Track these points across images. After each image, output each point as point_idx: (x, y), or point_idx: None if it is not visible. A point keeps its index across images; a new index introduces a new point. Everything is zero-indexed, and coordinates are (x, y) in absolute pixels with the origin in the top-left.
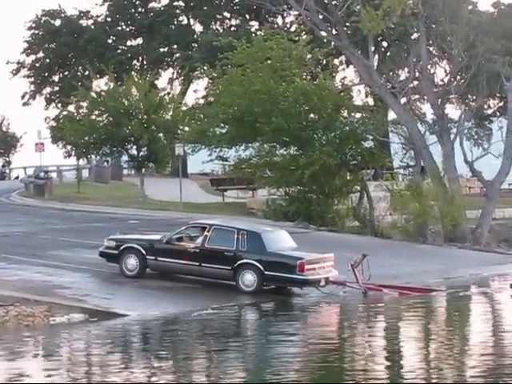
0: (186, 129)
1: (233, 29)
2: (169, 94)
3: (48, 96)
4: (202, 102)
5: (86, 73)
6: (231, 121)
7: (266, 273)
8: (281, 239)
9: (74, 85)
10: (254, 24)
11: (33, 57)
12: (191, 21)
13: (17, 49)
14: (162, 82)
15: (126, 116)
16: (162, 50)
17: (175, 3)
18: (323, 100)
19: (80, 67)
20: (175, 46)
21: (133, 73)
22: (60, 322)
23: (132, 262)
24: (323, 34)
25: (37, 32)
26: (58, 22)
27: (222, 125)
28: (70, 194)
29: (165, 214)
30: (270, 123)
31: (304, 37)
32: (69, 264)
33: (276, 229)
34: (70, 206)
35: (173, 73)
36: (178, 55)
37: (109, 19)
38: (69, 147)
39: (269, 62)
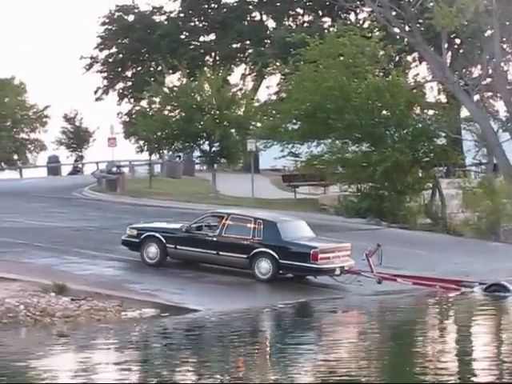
0: (258, 124)
1: (306, 25)
2: (241, 89)
3: (121, 91)
4: (274, 97)
5: (159, 68)
6: (303, 117)
7: (281, 261)
8: (298, 229)
9: (146, 80)
10: (327, 20)
11: (106, 52)
12: (264, 17)
13: (90, 44)
14: (234, 77)
15: (198, 111)
16: (234, 45)
17: None
18: (396, 97)
19: (153, 63)
20: (248, 42)
21: (205, 68)
22: (131, 317)
23: (153, 250)
24: (396, 30)
25: (110, 27)
26: (131, 18)
27: (294, 121)
28: (141, 189)
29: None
30: (343, 120)
31: (377, 33)
32: (140, 259)
33: (294, 218)
34: (141, 200)
35: (245, 69)
36: (250, 51)
37: (182, 15)
38: (141, 142)
39: (341, 58)
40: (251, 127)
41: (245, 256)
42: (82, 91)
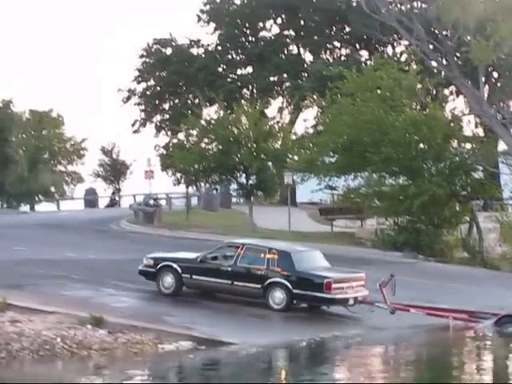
0: (295, 157)
1: (343, 58)
2: (278, 122)
3: (158, 124)
4: (311, 130)
5: (196, 101)
6: (340, 150)
7: (295, 291)
8: (312, 259)
9: (183, 113)
10: (364, 54)
11: (143, 85)
12: (301, 50)
13: (128, 77)
14: (271, 110)
15: (235, 144)
16: (271, 78)
17: (285, 32)
18: (433, 130)
19: (190, 95)
20: (285, 75)
21: (243, 101)
22: (168, 350)
23: (169, 280)
24: (434, 64)
25: (148, 60)
26: (168, 51)
27: (332, 154)
28: (179, 222)
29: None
30: (380, 153)
31: (414, 67)
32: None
33: (309, 249)
34: (179, 233)
35: (282, 102)
36: (287, 84)
37: (219, 48)
38: (178, 175)
39: (379, 91)
40: (288, 160)
41: (259, 286)
42: (120, 124)
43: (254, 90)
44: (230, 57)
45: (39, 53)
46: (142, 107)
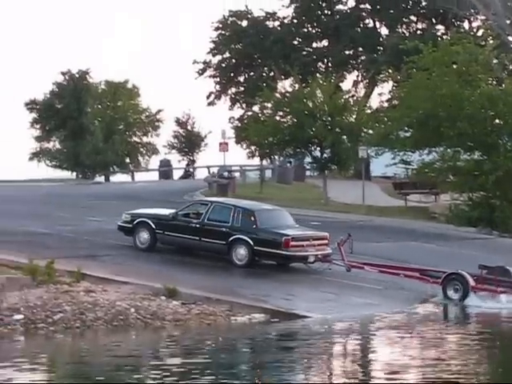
0: (370, 132)
1: (419, 32)
2: (353, 96)
3: (233, 96)
4: (386, 105)
5: (271, 74)
6: (415, 124)
7: (256, 248)
8: (277, 218)
9: (258, 85)
10: (441, 28)
11: (219, 57)
12: (377, 24)
13: (203, 49)
14: (346, 84)
15: (310, 118)
16: (347, 52)
17: (361, 6)
18: (509, 106)
19: (265, 68)
20: (361, 49)
21: (318, 75)
22: (241, 322)
23: (144, 235)
24: (510, 39)
25: (223, 32)
26: (244, 23)
27: (406, 128)
28: (252, 194)
29: (347, 217)
30: (455, 128)
31: (491, 42)
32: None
33: (276, 208)
34: None
35: (357, 75)
36: (363, 58)
37: (295, 21)
38: (252, 147)
39: (455, 66)
40: (363, 134)
41: (224, 242)
42: (195, 96)
43: (330, 64)
44: (305, 30)
45: (116, 23)
46: (217, 79)
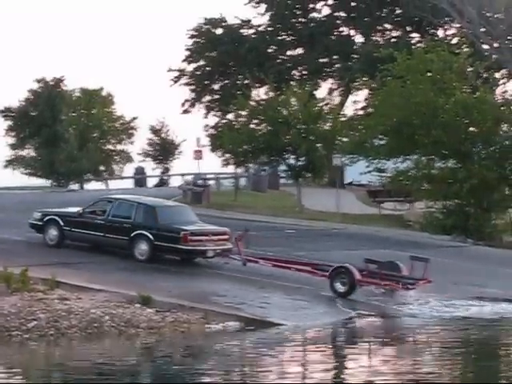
0: (345, 139)
1: (393, 40)
2: (328, 104)
3: (208, 104)
4: (360, 112)
5: (246, 82)
6: (390, 132)
7: (156, 243)
8: (179, 214)
9: (233, 93)
10: (415, 36)
11: (194, 65)
12: (352, 31)
13: (178, 57)
14: (321, 92)
15: (284, 126)
16: (321, 60)
17: (336, 14)
18: (483, 113)
19: (240, 76)
20: (335, 57)
21: (292, 83)
22: (215, 330)
23: (53, 232)
24: (485, 47)
25: (198, 40)
26: (219, 31)
27: (381, 136)
28: (227, 202)
29: (322, 225)
30: (429, 136)
31: (465, 49)
32: (223, 272)
33: (178, 204)
34: (226, 213)
35: (332, 83)
36: (338, 66)
37: (270, 29)
38: (227, 155)
39: (429, 74)
40: (337, 142)
41: (126, 238)
42: (170, 103)
43: (304, 72)
44: (280, 38)
45: (90, 31)
46: (192, 87)
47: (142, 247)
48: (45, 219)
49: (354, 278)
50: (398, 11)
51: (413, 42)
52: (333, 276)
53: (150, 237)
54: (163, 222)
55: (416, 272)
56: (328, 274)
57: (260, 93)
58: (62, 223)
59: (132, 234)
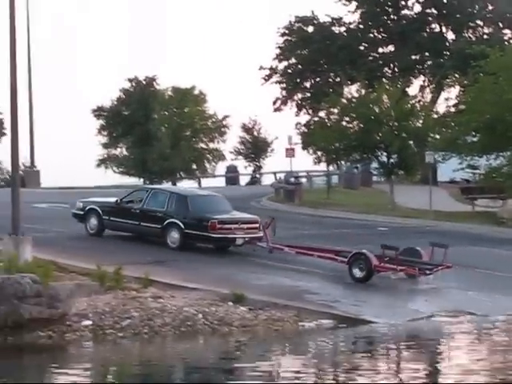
0: (437, 137)
1: (485, 37)
2: (420, 101)
3: (299, 102)
4: (453, 109)
5: (338, 79)
6: (482, 129)
7: (186, 231)
8: (210, 203)
9: (325, 91)
10: (507, 32)
11: (285, 63)
12: (443, 28)
13: (269, 55)
14: (413, 89)
15: (376, 123)
16: (413, 57)
17: (428, 11)
18: None
19: (331, 73)
20: (427, 54)
21: (384, 80)
22: (308, 328)
23: (93, 221)
24: None
25: (289, 38)
26: (310, 29)
27: (473, 133)
28: (319, 200)
29: (414, 222)
30: None
31: None
32: (318, 270)
33: (211, 193)
34: (318, 211)
35: (424, 80)
36: (429, 63)
37: (361, 26)
38: (319, 153)
39: None
40: (429, 139)
41: (159, 226)
42: (261, 102)
43: (396, 69)
44: (371, 35)
45: (182, 29)
46: (284, 85)
47: (174, 235)
48: (86, 209)
49: (372, 264)
50: (490, 7)
51: (505, 38)
52: (351, 262)
53: (181, 225)
54: (194, 210)
55: (437, 258)
56: (347, 260)
57: (352, 90)
58: (101, 212)
59: (165, 223)
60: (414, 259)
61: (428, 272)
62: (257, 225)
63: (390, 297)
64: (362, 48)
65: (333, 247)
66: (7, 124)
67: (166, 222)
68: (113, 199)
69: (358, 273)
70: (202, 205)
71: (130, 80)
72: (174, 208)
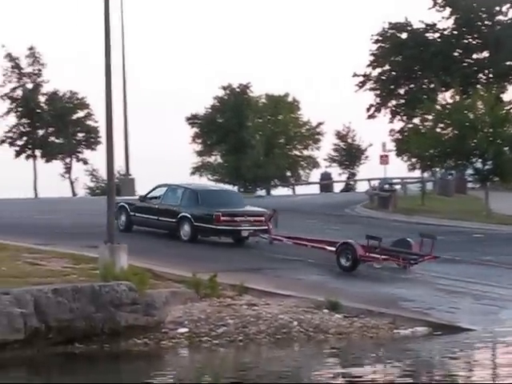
0: None
1: None
2: None
3: (393, 109)
4: None
5: (432, 86)
6: None
7: (195, 224)
8: (221, 197)
9: (419, 98)
10: None
11: (379, 70)
12: None
13: (363, 62)
14: (508, 95)
15: (471, 129)
16: (508, 63)
17: None
18: None
19: (426, 80)
20: None
21: (478, 86)
22: (404, 335)
23: (123, 218)
24: None
25: (383, 45)
26: (404, 35)
27: None
28: (413, 207)
29: (510, 229)
30: None
31: None
32: (411, 276)
33: (222, 188)
34: (413, 218)
35: None
36: None
37: (455, 32)
38: (413, 160)
39: None
40: None
41: (174, 220)
42: (355, 108)
43: (490, 75)
44: (465, 41)
45: (275, 36)
46: (377, 92)
47: (186, 228)
48: (117, 206)
49: (357, 254)
50: None
51: None
52: (339, 252)
53: (191, 218)
54: (202, 204)
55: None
56: (335, 250)
57: (446, 96)
58: (128, 209)
59: (178, 217)
60: (400, 249)
61: (412, 262)
62: (263, 218)
63: (483, 305)
64: (456, 54)
65: (324, 238)
66: (102, 132)
67: (179, 215)
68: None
69: (344, 262)
70: (211, 199)
71: (224, 88)
72: (186, 202)
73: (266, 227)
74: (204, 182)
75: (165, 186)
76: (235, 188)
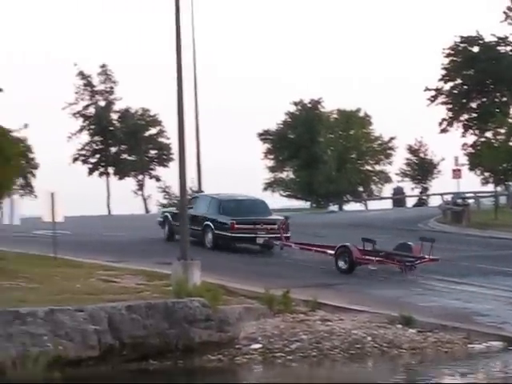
0: None
1: None
2: None
3: (465, 123)
4: None
5: (504, 99)
6: None
7: (216, 232)
8: (244, 206)
9: (491, 111)
10: None
11: (451, 83)
12: None
13: (435, 76)
14: None
15: None
16: None
17: None
18: None
19: (498, 94)
20: None
21: None
22: (479, 350)
23: (166, 227)
24: None
25: (455, 59)
26: (476, 49)
27: None
28: (487, 221)
29: None
30: None
31: None
32: (488, 291)
33: (249, 198)
34: (486, 232)
35: None
36: None
37: None
38: (486, 174)
39: None
40: None
41: (200, 228)
42: (427, 123)
43: None
44: None
45: (346, 52)
46: (449, 106)
47: (209, 236)
48: (163, 216)
49: (354, 256)
50: None
51: None
52: (338, 254)
53: (213, 226)
54: (223, 213)
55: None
56: (334, 253)
57: None
58: (171, 219)
59: (203, 225)
60: (399, 252)
61: (408, 264)
62: (276, 226)
63: None
64: None
65: (327, 243)
66: (174, 149)
67: (204, 223)
68: None
69: (342, 264)
70: (233, 208)
71: (296, 103)
72: (211, 211)
73: (279, 234)
74: (276, 197)
75: (196, 196)
76: (307, 204)
